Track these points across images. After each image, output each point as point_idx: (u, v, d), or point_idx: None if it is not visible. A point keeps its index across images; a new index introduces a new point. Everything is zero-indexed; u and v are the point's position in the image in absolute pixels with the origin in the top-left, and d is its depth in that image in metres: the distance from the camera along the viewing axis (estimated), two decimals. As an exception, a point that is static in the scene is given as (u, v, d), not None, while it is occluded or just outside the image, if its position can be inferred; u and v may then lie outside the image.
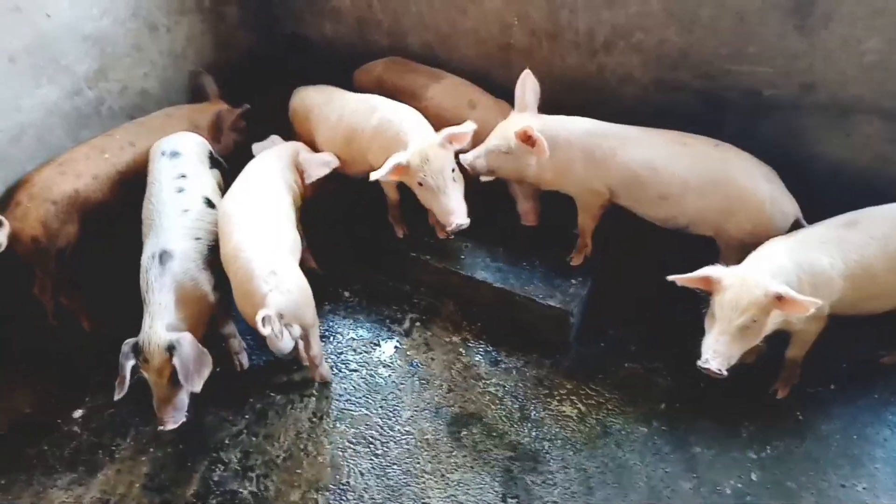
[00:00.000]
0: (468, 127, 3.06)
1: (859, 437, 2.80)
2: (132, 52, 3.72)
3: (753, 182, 2.87)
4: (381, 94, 3.83)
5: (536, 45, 3.51)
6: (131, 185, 3.38)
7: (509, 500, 2.71)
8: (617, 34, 3.24)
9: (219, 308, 3.04)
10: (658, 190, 2.96)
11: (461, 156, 3.16)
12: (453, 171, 3.06)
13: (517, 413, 3.01)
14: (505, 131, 3.08)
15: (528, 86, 3.17)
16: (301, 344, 3.07)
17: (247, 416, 3.09)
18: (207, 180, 3.29)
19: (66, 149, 3.45)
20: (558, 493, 2.72)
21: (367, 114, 3.41)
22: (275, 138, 3.60)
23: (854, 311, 2.73)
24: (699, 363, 2.48)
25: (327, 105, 3.70)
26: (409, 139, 3.14)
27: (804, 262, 2.55)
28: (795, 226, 2.89)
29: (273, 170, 3.26)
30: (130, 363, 2.64)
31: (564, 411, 3.00)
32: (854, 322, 2.90)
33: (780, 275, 2.48)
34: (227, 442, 3.00)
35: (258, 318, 2.51)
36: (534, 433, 2.93)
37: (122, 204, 3.41)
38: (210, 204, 3.14)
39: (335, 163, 3.43)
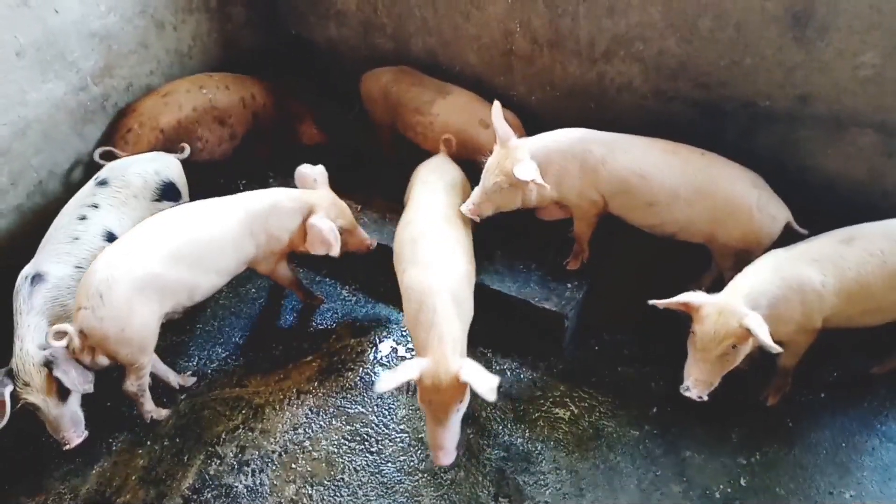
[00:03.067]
0: (486, 387, 2.33)
1: (848, 446, 2.83)
2: (138, 49, 3.77)
3: (740, 188, 2.91)
4: (385, 104, 3.87)
5: (537, 53, 3.55)
6: (223, 122, 3.89)
7: (501, 499, 2.74)
8: (617, 43, 3.28)
9: None
10: (646, 197, 2.99)
11: (461, 207, 3.05)
12: (460, 402, 2.54)
13: (511, 414, 3.04)
14: (500, 167, 2.97)
15: (504, 116, 3.10)
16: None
17: (243, 412, 3.12)
18: (128, 216, 3.09)
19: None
20: (550, 494, 2.75)
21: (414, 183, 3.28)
22: (319, 171, 3.34)
23: (851, 325, 2.76)
24: (681, 389, 2.54)
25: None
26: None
27: (793, 280, 2.57)
28: (787, 229, 2.93)
29: (244, 208, 3.04)
30: (8, 389, 2.59)
31: (558, 413, 3.04)
32: (846, 332, 2.94)
33: (763, 297, 2.52)
34: (223, 436, 3.02)
35: (51, 329, 2.58)
36: (527, 434, 2.96)
37: (215, 141, 3.90)
38: (111, 238, 2.97)
39: (335, 251, 3.11)
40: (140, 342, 2.77)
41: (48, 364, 2.63)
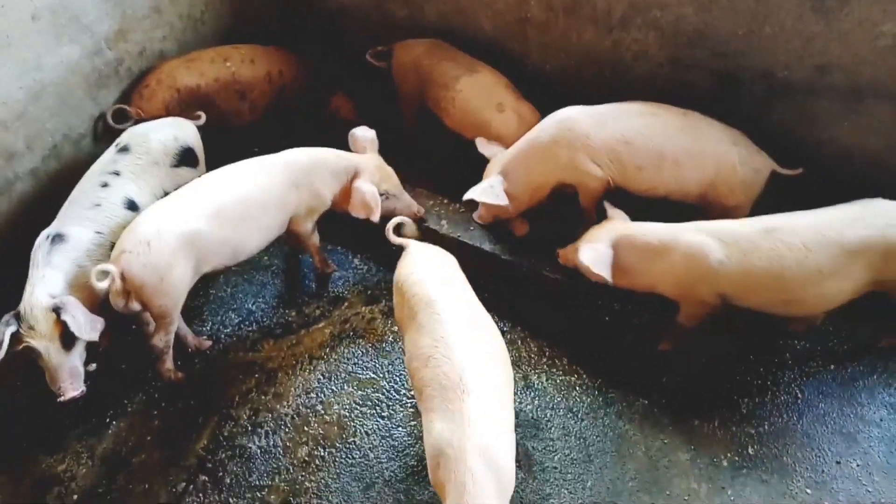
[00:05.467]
0: None
1: (856, 417, 2.85)
2: (151, 14, 3.76)
3: (721, 147, 2.99)
4: (415, 76, 3.85)
5: (553, 20, 3.51)
6: (244, 95, 3.91)
7: (510, 464, 2.78)
8: (634, 10, 3.23)
9: None
10: (635, 161, 3.05)
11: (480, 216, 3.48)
12: None
13: (521, 382, 3.07)
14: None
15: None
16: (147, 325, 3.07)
17: (256, 376, 3.16)
18: (147, 183, 3.14)
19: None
20: (558, 459, 2.78)
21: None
22: (371, 136, 3.40)
23: (777, 312, 2.82)
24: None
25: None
26: None
27: (686, 246, 2.69)
28: (773, 177, 3.03)
29: (288, 162, 3.12)
30: (10, 329, 2.59)
31: (567, 381, 3.06)
32: (854, 306, 2.95)
33: (645, 247, 2.76)
34: (237, 399, 3.07)
35: (96, 268, 2.66)
36: (536, 401, 2.99)
37: (233, 113, 3.93)
38: (131, 206, 3.02)
39: (375, 216, 3.17)
40: (175, 295, 2.83)
41: (56, 309, 2.64)
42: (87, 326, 2.68)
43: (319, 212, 3.30)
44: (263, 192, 3.03)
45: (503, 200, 3.19)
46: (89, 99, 3.53)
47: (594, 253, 2.78)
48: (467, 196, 3.22)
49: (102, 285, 2.63)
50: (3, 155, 3.21)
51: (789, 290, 2.64)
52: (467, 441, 2.03)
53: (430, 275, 2.59)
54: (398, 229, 2.98)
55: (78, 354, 2.75)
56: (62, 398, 2.67)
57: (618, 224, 2.90)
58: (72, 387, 2.68)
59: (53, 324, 2.64)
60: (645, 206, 3.09)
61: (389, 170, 3.38)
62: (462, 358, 2.23)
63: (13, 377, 3.15)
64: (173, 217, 2.80)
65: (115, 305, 2.77)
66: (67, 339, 2.67)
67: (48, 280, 2.73)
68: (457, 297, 2.51)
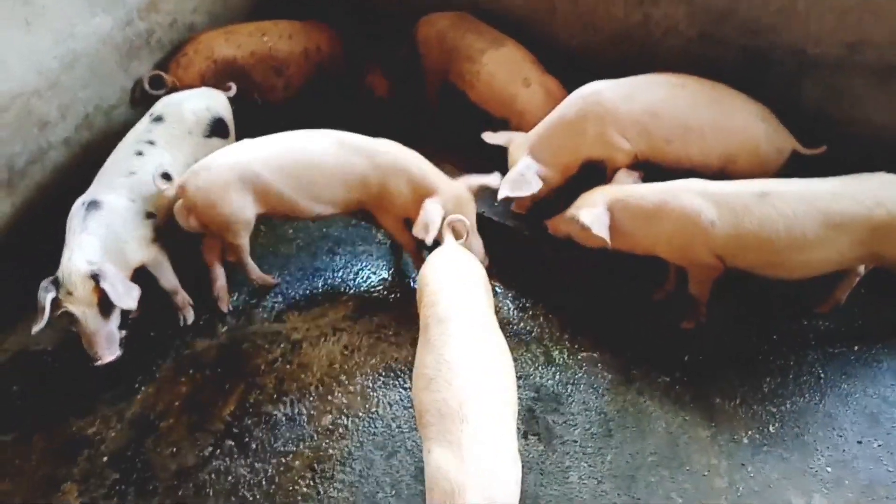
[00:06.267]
0: None
1: (879, 398, 2.83)
2: (182, -15, 3.80)
3: (748, 122, 2.99)
4: (440, 49, 3.84)
5: (582, -6, 3.49)
6: (280, 71, 3.95)
7: (530, 437, 2.80)
8: (665, -16, 3.22)
9: (153, 266, 3.11)
10: (662, 133, 3.05)
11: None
12: None
13: (542, 357, 3.09)
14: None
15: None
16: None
17: (282, 346, 3.21)
18: (181, 152, 3.20)
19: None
20: (578, 433, 2.80)
21: None
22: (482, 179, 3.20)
23: (765, 274, 2.84)
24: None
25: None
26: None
27: (678, 208, 2.74)
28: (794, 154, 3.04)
29: (369, 150, 3.10)
30: (50, 295, 2.63)
31: (589, 357, 3.07)
32: (881, 286, 2.93)
33: (636, 209, 2.82)
34: (263, 368, 3.12)
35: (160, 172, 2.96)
36: (557, 377, 3.01)
37: (268, 88, 3.98)
38: (165, 176, 3.03)
39: (429, 240, 2.94)
40: (228, 224, 3.04)
41: (95, 276, 2.69)
42: (125, 295, 2.75)
43: (393, 211, 3.20)
44: (329, 165, 3.06)
45: (536, 186, 3.17)
46: (121, 70, 3.58)
47: (593, 216, 2.82)
48: (501, 194, 3.15)
49: (163, 187, 2.94)
50: (37, 123, 3.27)
51: (778, 254, 2.69)
52: (466, 477, 1.88)
53: (449, 287, 2.49)
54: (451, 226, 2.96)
55: (115, 320, 2.82)
56: (98, 362, 2.75)
57: (610, 188, 2.95)
58: (108, 351, 2.76)
59: (92, 290, 2.69)
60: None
61: (470, 206, 3.14)
62: (464, 386, 2.10)
63: (46, 342, 3.24)
64: (231, 157, 3.01)
65: (182, 223, 3.01)
66: (106, 306, 2.73)
67: (85, 246, 2.77)
68: (471, 314, 2.38)
